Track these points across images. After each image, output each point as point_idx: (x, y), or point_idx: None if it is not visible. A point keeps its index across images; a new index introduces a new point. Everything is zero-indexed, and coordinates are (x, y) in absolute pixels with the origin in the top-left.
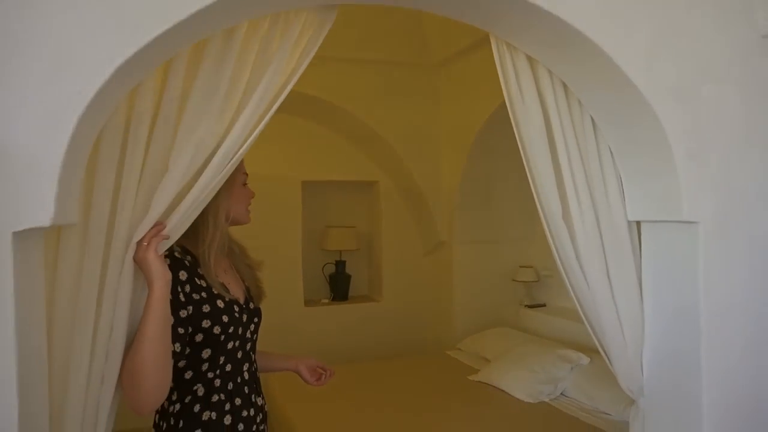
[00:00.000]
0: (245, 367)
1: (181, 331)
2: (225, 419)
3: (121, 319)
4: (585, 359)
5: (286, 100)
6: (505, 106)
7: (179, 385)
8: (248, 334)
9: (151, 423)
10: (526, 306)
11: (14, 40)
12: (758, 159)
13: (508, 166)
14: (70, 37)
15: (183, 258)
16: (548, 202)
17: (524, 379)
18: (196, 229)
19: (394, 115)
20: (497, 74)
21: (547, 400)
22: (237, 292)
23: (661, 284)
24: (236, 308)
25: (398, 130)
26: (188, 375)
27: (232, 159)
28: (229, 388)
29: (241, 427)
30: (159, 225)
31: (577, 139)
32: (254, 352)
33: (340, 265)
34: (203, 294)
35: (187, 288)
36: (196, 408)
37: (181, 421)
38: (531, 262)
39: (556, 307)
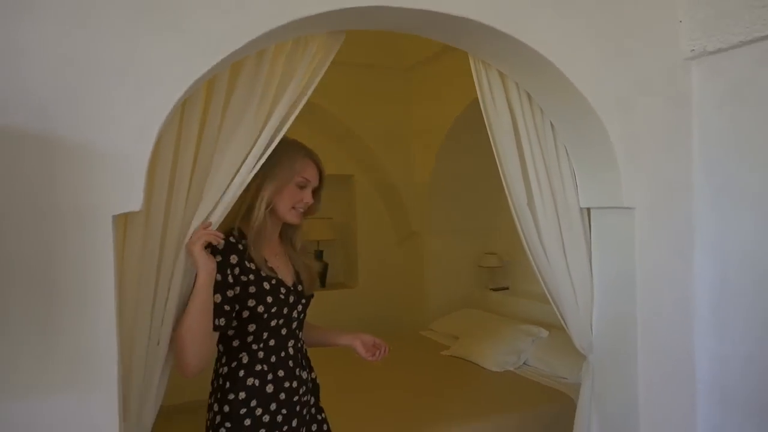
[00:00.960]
0: (290, 343)
1: (227, 308)
2: (267, 387)
3: (174, 292)
4: (544, 332)
5: None
6: (473, 108)
7: (228, 351)
8: (294, 314)
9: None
10: (491, 289)
11: (110, 61)
12: (679, 157)
13: (475, 163)
14: (154, 60)
15: (237, 242)
16: (516, 191)
17: (491, 352)
18: (249, 214)
19: (369, 114)
20: (465, 78)
21: (511, 369)
22: (285, 276)
23: (606, 259)
24: (282, 290)
25: (373, 128)
26: (235, 344)
27: (260, 158)
28: (272, 360)
29: (282, 396)
30: (206, 223)
31: (539, 139)
32: (300, 330)
33: (317, 254)
34: (251, 276)
35: (237, 270)
36: (241, 373)
37: (228, 383)
38: (495, 250)
39: (518, 290)
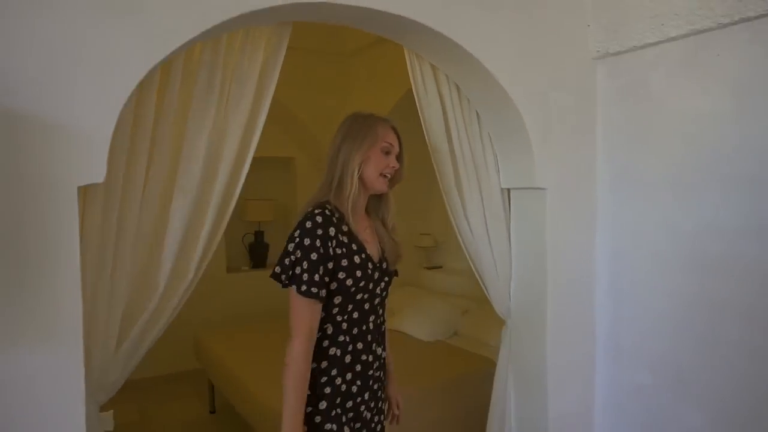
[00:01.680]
0: (371, 318)
1: (327, 279)
2: (346, 358)
3: (136, 259)
4: (473, 305)
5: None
6: (409, 96)
7: None
8: (378, 290)
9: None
10: (425, 268)
11: (75, 44)
12: (585, 145)
13: (411, 149)
14: (116, 44)
15: (332, 215)
16: (445, 173)
17: (424, 324)
18: (341, 187)
19: (310, 98)
20: (403, 67)
21: (442, 339)
22: (373, 251)
23: (522, 234)
24: (370, 265)
25: (313, 111)
26: (321, 315)
27: (250, 148)
28: (354, 332)
29: (358, 368)
30: None
31: (466, 127)
32: (382, 307)
33: (258, 234)
34: (344, 249)
35: (334, 242)
36: (325, 343)
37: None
38: (429, 231)
39: (450, 268)
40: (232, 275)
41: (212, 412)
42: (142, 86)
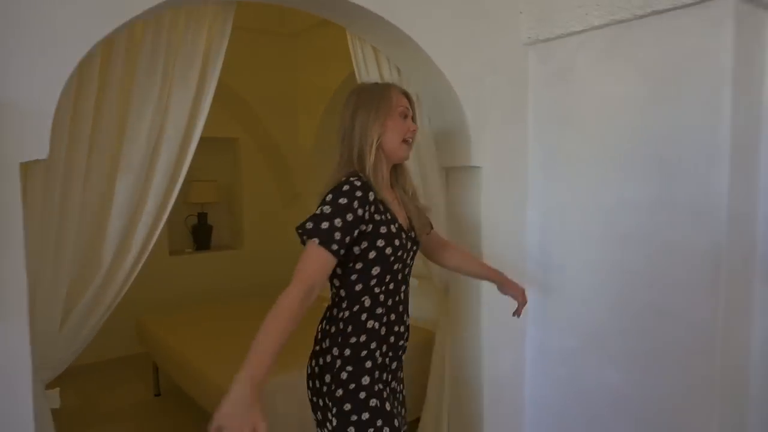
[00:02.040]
0: (402, 288)
1: (347, 240)
2: (381, 330)
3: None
4: (415, 282)
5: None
6: (353, 77)
7: (350, 295)
8: (408, 260)
9: None
10: None
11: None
12: (518, 126)
13: None
14: (58, 21)
15: (368, 183)
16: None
17: None
18: (362, 160)
19: (255, 79)
20: (347, 47)
21: None
22: (403, 222)
23: (459, 210)
24: (403, 234)
25: (259, 92)
26: (358, 287)
27: (197, 129)
28: (389, 304)
29: (392, 339)
30: None
31: None
32: (410, 276)
33: (202, 216)
34: (384, 216)
35: (373, 208)
36: (363, 317)
37: (350, 327)
38: None
39: None
40: (175, 258)
41: (157, 395)
42: (84, 64)
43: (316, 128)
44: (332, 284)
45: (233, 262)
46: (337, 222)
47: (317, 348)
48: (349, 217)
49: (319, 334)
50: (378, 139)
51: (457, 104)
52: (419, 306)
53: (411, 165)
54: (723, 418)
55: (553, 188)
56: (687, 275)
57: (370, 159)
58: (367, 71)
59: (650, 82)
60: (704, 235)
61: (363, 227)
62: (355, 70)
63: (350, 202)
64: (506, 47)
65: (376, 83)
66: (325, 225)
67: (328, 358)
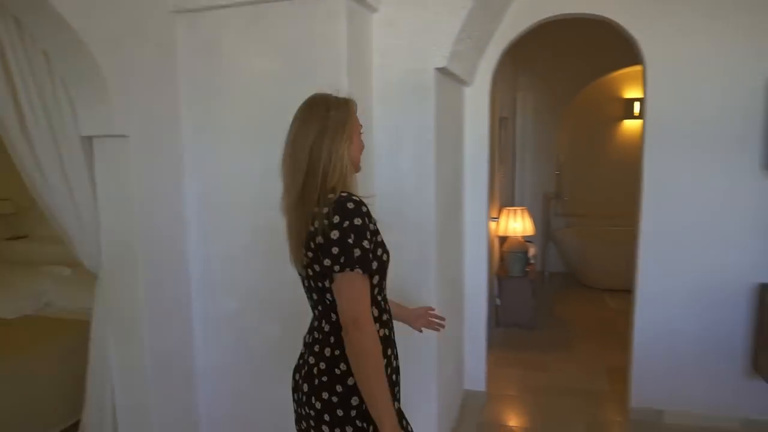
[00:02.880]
0: (386, 292)
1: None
2: (391, 335)
3: None
4: (67, 271)
5: None
6: None
7: None
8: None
9: None
10: (6, 239)
11: None
12: (167, 95)
13: None
14: None
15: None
16: (8, 122)
17: (6, 300)
18: (341, 176)
19: None
20: None
21: (29, 312)
22: None
23: (108, 183)
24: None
25: None
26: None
27: None
28: (387, 308)
29: (394, 340)
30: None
31: (31, 69)
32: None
33: None
34: (377, 226)
35: (373, 219)
36: (375, 326)
37: None
38: (9, 195)
39: (38, 236)
40: None
41: None
42: None
43: None
44: (325, 301)
45: None
46: (365, 244)
47: (333, 372)
48: (368, 234)
49: (325, 363)
50: (352, 158)
51: (96, 68)
52: (75, 298)
53: (43, 135)
54: None
55: (209, 157)
56: None
57: (345, 173)
58: None
59: (286, 60)
60: None
61: (376, 238)
62: None
63: (364, 220)
64: (151, 13)
65: (333, 97)
66: (357, 252)
67: (350, 381)
